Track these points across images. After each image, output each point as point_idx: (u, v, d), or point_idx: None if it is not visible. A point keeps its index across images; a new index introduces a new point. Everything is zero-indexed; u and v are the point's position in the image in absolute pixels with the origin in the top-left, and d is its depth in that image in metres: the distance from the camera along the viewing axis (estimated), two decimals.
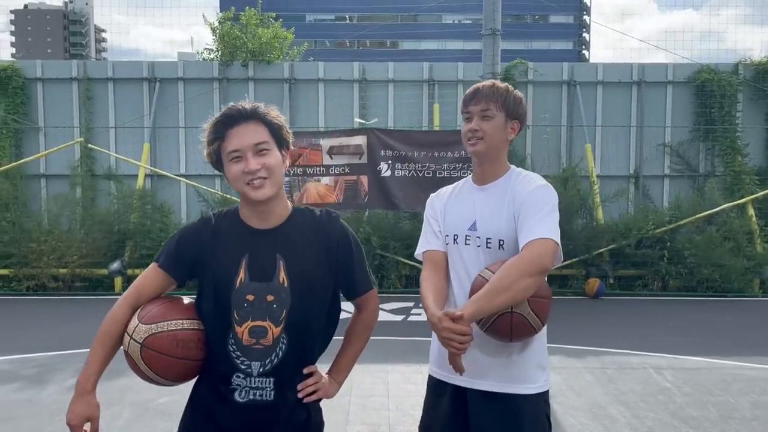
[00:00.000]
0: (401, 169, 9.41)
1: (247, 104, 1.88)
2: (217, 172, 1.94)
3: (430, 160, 9.35)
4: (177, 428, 2.02)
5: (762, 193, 10.74)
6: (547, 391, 2.26)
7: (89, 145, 11.33)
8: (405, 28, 58.71)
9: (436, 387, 2.33)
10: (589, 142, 11.48)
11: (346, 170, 9.45)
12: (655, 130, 11.89)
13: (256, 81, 12.03)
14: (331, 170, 9.43)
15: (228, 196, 10.65)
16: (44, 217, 10.60)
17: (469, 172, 2.74)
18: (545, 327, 2.20)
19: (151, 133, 11.62)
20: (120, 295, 2.04)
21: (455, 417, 2.24)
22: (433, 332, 2.36)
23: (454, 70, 12.05)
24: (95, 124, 11.81)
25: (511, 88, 2.32)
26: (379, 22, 54.51)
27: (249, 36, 13.04)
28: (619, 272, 10.08)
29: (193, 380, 1.98)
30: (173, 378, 1.90)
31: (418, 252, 2.39)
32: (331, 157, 9.42)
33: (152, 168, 11.43)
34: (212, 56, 14.66)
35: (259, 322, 1.83)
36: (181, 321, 1.87)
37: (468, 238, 2.24)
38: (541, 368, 2.25)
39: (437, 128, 11.08)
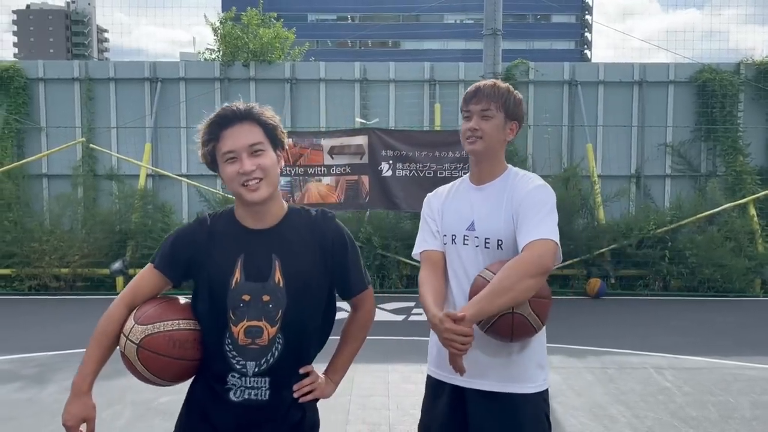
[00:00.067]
0: (402, 169, 9.41)
1: (241, 105, 1.88)
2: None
3: (431, 160, 9.35)
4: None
5: (763, 192, 10.72)
6: (547, 390, 2.26)
7: (91, 145, 11.35)
8: (407, 28, 58.72)
9: (434, 387, 2.33)
10: (591, 141, 11.47)
11: (348, 170, 9.46)
12: (657, 130, 11.88)
13: (258, 81, 12.04)
14: (333, 170, 9.44)
15: (229, 196, 10.66)
16: (46, 217, 10.61)
17: None
18: (544, 326, 2.20)
19: (152, 133, 11.64)
20: None
21: (454, 417, 2.24)
22: (431, 332, 2.36)
23: (456, 70, 12.05)
24: (97, 124, 11.83)
25: (512, 88, 2.32)
26: (380, 22, 54.54)
27: (250, 36, 13.06)
28: (621, 272, 10.07)
29: (190, 380, 1.98)
30: (170, 378, 1.90)
31: (416, 252, 2.39)
32: (332, 157, 9.43)
33: (154, 168, 11.45)
34: (214, 56, 14.67)
35: (254, 322, 1.83)
36: (177, 321, 1.87)
37: (466, 238, 2.24)
38: (540, 367, 2.25)
39: (438, 128, 11.09)
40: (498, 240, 2.19)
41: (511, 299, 2.01)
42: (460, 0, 50.08)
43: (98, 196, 11.43)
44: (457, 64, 12.27)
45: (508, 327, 2.07)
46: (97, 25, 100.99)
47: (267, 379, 1.86)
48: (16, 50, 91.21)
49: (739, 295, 9.65)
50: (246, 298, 1.84)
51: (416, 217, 9.92)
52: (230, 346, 1.85)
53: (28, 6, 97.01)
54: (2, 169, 10.83)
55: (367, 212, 10.25)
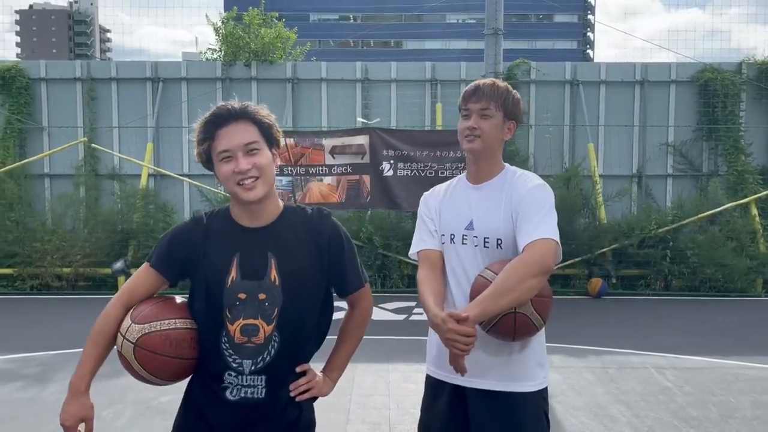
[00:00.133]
0: (403, 169, 9.41)
1: (236, 103, 1.88)
2: None
3: (433, 160, 9.35)
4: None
5: (765, 192, 10.70)
6: (546, 389, 2.27)
7: (93, 145, 11.37)
8: (409, 27, 58.68)
9: (434, 386, 2.33)
10: (592, 141, 11.45)
11: (349, 170, 9.46)
12: (658, 130, 11.87)
13: (259, 81, 12.05)
14: (334, 170, 9.43)
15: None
16: (48, 217, 10.64)
17: None
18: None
19: (154, 133, 11.66)
20: None
21: (454, 416, 2.24)
22: (430, 332, 2.36)
23: (457, 69, 12.05)
24: (99, 124, 11.85)
25: (510, 88, 2.32)
26: (382, 21, 54.50)
27: (252, 36, 13.07)
28: (622, 272, 10.06)
29: (188, 379, 1.99)
30: (167, 377, 1.90)
31: (413, 251, 2.38)
32: (334, 157, 9.43)
33: (155, 168, 11.46)
34: (215, 56, 14.69)
35: (250, 321, 1.83)
36: (173, 320, 1.87)
37: (465, 237, 2.24)
38: (540, 366, 2.25)
39: (440, 128, 11.09)
40: (497, 239, 2.19)
41: (514, 299, 2.01)
42: (462, 0, 50.02)
43: (100, 195, 11.45)
44: (459, 64, 12.27)
45: (510, 326, 2.08)
46: (100, 25, 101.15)
47: (263, 377, 1.86)
48: (18, 50, 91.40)
49: (741, 295, 9.63)
50: (242, 296, 1.84)
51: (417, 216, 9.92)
52: (227, 345, 1.85)
53: (30, 6, 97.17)
54: (4, 168, 10.86)
55: (368, 212, 10.26)
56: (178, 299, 1.97)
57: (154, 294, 1.96)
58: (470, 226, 2.23)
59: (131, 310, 1.90)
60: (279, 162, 1.96)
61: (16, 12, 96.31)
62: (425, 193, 2.45)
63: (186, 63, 12.63)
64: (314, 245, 1.92)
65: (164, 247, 1.93)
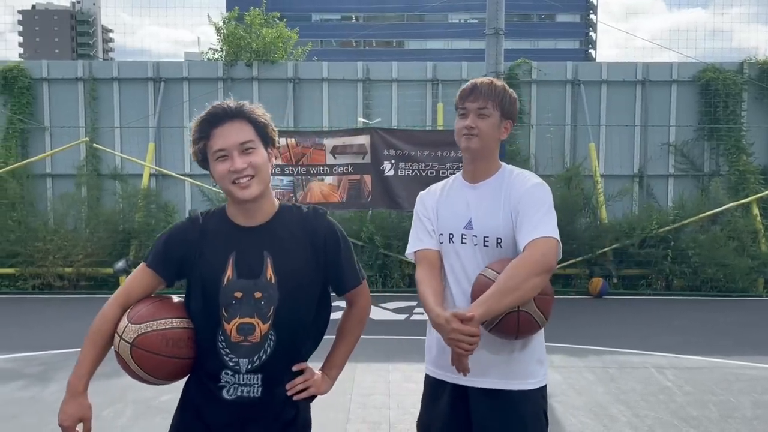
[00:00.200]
0: (404, 169, 9.41)
1: (232, 103, 1.89)
2: None
3: (434, 160, 9.35)
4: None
5: (767, 192, 10.69)
6: (545, 386, 2.28)
7: (94, 145, 11.40)
8: (411, 27, 58.68)
9: (434, 386, 2.32)
10: (593, 141, 11.45)
11: (350, 170, 9.46)
12: (660, 130, 11.87)
13: (260, 81, 12.07)
14: (335, 170, 9.44)
15: None
16: (50, 217, 10.67)
17: None
18: None
19: (156, 133, 11.68)
20: None
21: (455, 415, 2.24)
22: (428, 332, 2.36)
23: (458, 69, 12.06)
24: (100, 124, 11.89)
25: (507, 87, 2.33)
26: (385, 21, 54.50)
27: (253, 36, 13.09)
28: (623, 272, 10.05)
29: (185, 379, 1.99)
30: (164, 377, 1.91)
31: (410, 251, 2.37)
32: (335, 157, 9.43)
33: (157, 167, 11.48)
34: (217, 56, 14.71)
35: (246, 319, 1.84)
36: (170, 320, 1.87)
37: (464, 236, 2.23)
38: (540, 363, 2.27)
39: (441, 128, 11.09)
40: (497, 238, 2.19)
41: (518, 298, 2.02)
42: None
43: (102, 195, 11.47)
44: (460, 64, 12.27)
45: (513, 325, 2.08)
46: (102, 26, 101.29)
47: (259, 375, 1.86)
48: (21, 50, 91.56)
49: (742, 295, 9.63)
50: (238, 295, 1.84)
51: None
52: (223, 344, 1.86)
53: (33, 6, 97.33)
54: (6, 168, 10.89)
55: (369, 212, 10.26)
56: (175, 299, 1.97)
57: (151, 294, 1.96)
58: (469, 225, 2.23)
59: (128, 311, 1.90)
60: (275, 161, 1.97)
61: (19, 12, 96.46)
62: (421, 193, 2.44)
63: (187, 63, 12.66)
64: (310, 244, 1.93)
65: (160, 247, 1.94)
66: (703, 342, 6.94)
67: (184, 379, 1.99)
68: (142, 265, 1.96)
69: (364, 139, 9.49)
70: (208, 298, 1.86)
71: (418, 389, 2.42)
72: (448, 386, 2.26)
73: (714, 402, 4.91)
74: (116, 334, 1.88)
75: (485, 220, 2.22)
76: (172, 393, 2.03)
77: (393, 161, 9.42)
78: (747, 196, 10.73)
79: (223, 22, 14.19)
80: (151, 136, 11.66)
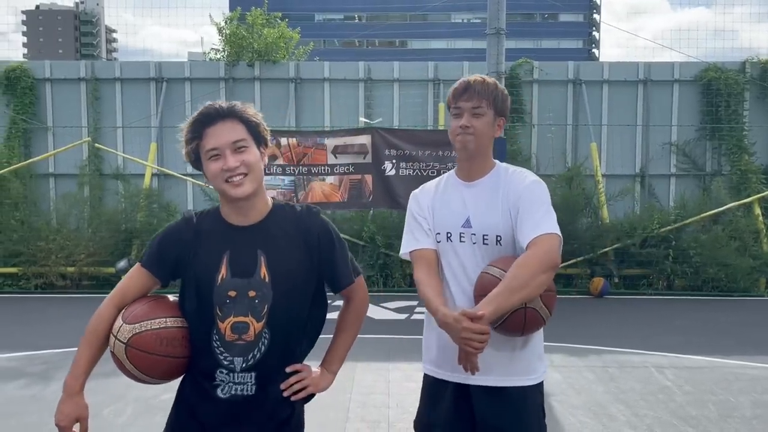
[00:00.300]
0: (405, 169, 9.42)
1: (223, 103, 1.90)
2: None
3: (435, 159, 9.35)
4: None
5: None
6: (543, 381, 2.29)
7: (97, 145, 11.43)
8: (414, 27, 58.65)
9: (434, 385, 2.32)
10: (595, 141, 11.45)
11: (351, 169, 9.47)
12: (661, 129, 11.86)
13: (262, 81, 12.09)
14: (336, 169, 9.45)
15: None
16: (53, 216, 10.70)
17: None
18: None
19: (158, 133, 11.71)
20: None
21: (459, 414, 2.25)
22: (426, 332, 2.36)
23: (460, 69, 12.05)
24: (103, 124, 11.93)
25: (499, 84, 2.32)
26: (387, 21, 54.50)
27: (255, 36, 13.12)
28: (624, 271, 10.05)
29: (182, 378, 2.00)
30: (159, 376, 1.92)
31: (405, 250, 2.35)
32: (336, 157, 9.45)
33: (159, 167, 11.51)
34: (219, 56, 14.74)
35: (241, 318, 1.84)
36: (164, 319, 1.88)
37: (462, 235, 2.23)
38: (540, 359, 2.29)
39: (442, 127, 11.10)
40: (497, 236, 2.19)
41: (526, 295, 2.03)
42: None
43: (104, 195, 11.53)
44: (461, 64, 12.28)
45: (520, 322, 2.09)
46: (106, 26, 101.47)
47: (253, 374, 1.87)
48: (25, 50, 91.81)
49: (744, 295, 9.62)
50: (232, 294, 1.85)
51: None
52: (218, 343, 1.87)
53: (37, 6, 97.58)
54: (9, 168, 10.93)
55: (371, 211, 10.28)
56: (170, 298, 1.98)
57: (146, 294, 1.97)
58: (467, 224, 2.23)
59: (123, 310, 1.91)
60: (267, 160, 1.98)
61: (23, 12, 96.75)
62: (414, 192, 2.42)
63: (189, 63, 12.71)
64: (303, 242, 1.93)
65: (155, 247, 1.95)
66: (704, 342, 6.94)
67: (181, 378, 2.00)
68: (137, 265, 1.97)
69: (365, 139, 9.50)
70: (203, 297, 1.87)
71: (418, 388, 2.42)
72: (449, 385, 2.26)
73: (713, 401, 4.91)
74: (111, 335, 1.89)
75: (484, 218, 2.22)
76: (172, 392, 2.05)
77: (394, 161, 9.43)
78: (749, 196, 10.72)
79: (225, 23, 14.22)
80: (153, 136, 11.69)
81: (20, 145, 11.69)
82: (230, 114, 1.88)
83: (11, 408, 4.76)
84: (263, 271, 1.87)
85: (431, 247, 2.29)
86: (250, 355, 1.86)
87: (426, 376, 2.37)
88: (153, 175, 11.36)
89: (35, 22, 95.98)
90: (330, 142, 9.47)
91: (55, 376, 5.48)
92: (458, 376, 2.20)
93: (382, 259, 9.92)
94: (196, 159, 1.92)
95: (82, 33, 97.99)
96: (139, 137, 11.78)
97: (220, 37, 14.33)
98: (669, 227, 9.97)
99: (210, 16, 15.58)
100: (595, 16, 61.39)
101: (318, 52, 21.97)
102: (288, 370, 1.94)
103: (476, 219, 2.23)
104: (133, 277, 1.96)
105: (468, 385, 2.22)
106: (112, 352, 1.90)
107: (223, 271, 1.87)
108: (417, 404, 2.41)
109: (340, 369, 2.12)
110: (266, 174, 8.97)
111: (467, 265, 2.22)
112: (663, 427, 4.41)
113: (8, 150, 11.48)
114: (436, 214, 2.31)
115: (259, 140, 1.92)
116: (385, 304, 8.66)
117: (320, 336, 2.07)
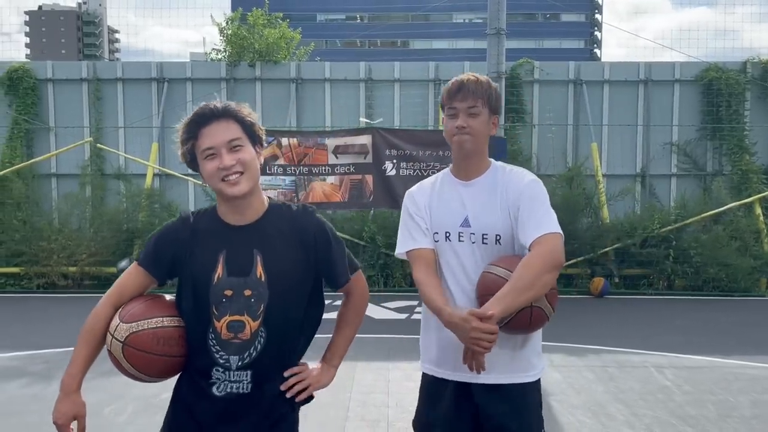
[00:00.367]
0: (406, 169, 9.43)
1: (218, 103, 1.91)
2: None
3: (435, 159, 9.36)
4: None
5: None
6: (540, 378, 2.31)
7: (99, 145, 11.47)
8: (415, 27, 58.63)
9: (434, 385, 2.31)
10: (595, 141, 11.45)
11: (352, 169, 9.49)
12: (662, 129, 11.86)
13: (263, 81, 12.11)
14: (337, 169, 9.47)
15: None
16: (55, 216, 10.73)
17: None
18: None
19: (159, 133, 11.74)
20: None
21: (460, 413, 2.25)
22: (424, 331, 2.36)
23: (460, 69, 12.03)
24: (105, 124, 11.97)
25: (492, 82, 2.32)
26: (389, 21, 54.50)
27: (256, 36, 13.14)
28: (625, 271, 10.04)
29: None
30: (156, 375, 1.93)
31: (402, 250, 2.34)
32: (337, 157, 9.46)
33: (160, 167, 11.54)
34: (220, 57, 14.77)
35: (236, 317, 1.86)
36: (161, 318, 1.90)
37: (461, 234, 2.23)
38: (539, 355, 2.30)
39: (442, 128, 11.09)
40: (496, 235, 2.20)
41: (533, 295, 2.05)
42: None
43: (106, 195, 11.56)
44: (462, 64, 12.28)
45: (526, 321, 2.11)
46: (108, 26, 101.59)
47: (249, 372, 1.88)
48: (28, 51, 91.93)
49: (744, 295, 9.61)
50: (228, 293, 1.87)
51: None
52: (214, 341, 1.88)
53: (40, 7, 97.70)
54: (12, 168, 10.96)
55: (371, 211, 10.29)
56: (166, 297, 2.00)
57: (143, 293, 1.98)
58: (466, 223, 2.23)
59: (120, 310, 1.93)
60: (263, 160, 2.00)
61: (26, 13, 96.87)
62: (410, 191, 2.41)
63: (191, 63, 12.75)
64: (299, 241, 1.94)
65: (152, 246, 1.97)
66: (704, 342, 6.94)
67: (174, 376, 2.01)
68: (134, 264, 1.99)
69: (365, 139, 9.51)
70: (199, 296, 1.88)
71: (418, 388, 2.43)
72: (450, 385, 2.26)
73: (713, 401, 4.91)
74: (108, 333, 1.90)
75: (483, 217, 2.22)
76: (173, 391, 2.06)
77: (395, 161, 9.44)
78: (749, 196, 10.71)
79: (227, 23, 14.24)
80: (154, 136, 11.72)
81: (22, 145, 11.73)
82: (225, 114, 1.89)
83: (12, 407, 4.78)
84: (259, 270, 1.88)
85: (429, 247, 2.28)
86: (246, 354, 1.87)
87: (425, 376, 2.37)
88: (154, 175, 11.39)
89: (38, 22, 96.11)
90: (331, 142, 9.48)
91: (57, 376, 5.49)
92: (460, 375, 2.21)
93: (383, 259, 9.93)
94: (191, 159, 1.93)
95: (85, 33, 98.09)
96: (141, 137, 11.80)
97: (222, 38, 14.35)
98: (669, 227, 9.97)
99: (211, 16, 15.63)
100: (597, 16, 61.34)
101: (319, 53, 21.99)
102: (286, 374, 1.95)
103: (475, 218, 2.23)
104: (130, 276, 1.97)
105: (469, 384, 2.22)
106: (109, 351, 1.91)
107: (220, 270, 1.88)
108: (416, 404, 2.41)
109: (340, 367, 2.13)
110: (267, 174, 8.94)
111: (467, 264, 2.22)
112: (662, 427, 4.42)
113: (10, 150, 11.52)
114: (434, 214, 2.30)
115: (255, 139, 1.93)
116: (385, 304, 8.67)
117: (318, 335, 2.08)
